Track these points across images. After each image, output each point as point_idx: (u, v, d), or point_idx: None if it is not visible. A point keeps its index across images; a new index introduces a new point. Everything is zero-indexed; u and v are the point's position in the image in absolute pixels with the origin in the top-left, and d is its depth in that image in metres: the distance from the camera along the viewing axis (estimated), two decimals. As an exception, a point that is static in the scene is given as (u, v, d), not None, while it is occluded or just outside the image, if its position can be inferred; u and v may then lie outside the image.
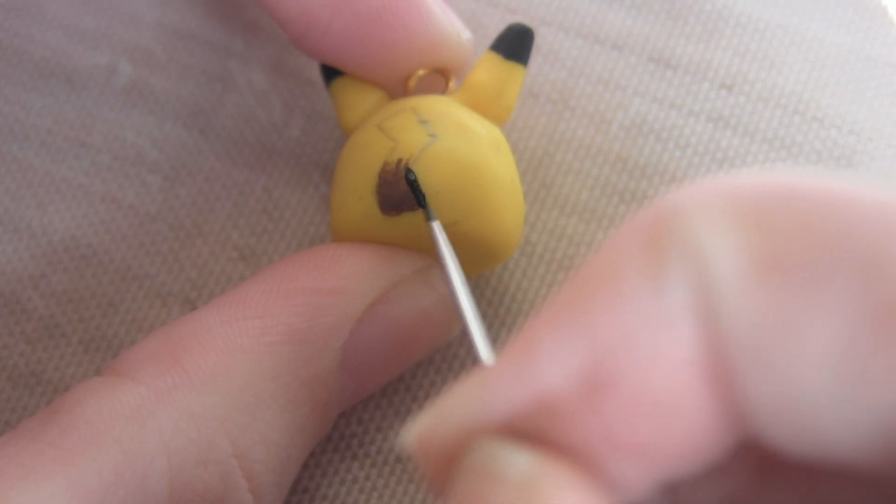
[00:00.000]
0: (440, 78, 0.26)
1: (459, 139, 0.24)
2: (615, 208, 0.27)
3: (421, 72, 0.25)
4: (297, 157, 0.28)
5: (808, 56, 0.28)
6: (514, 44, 0.25)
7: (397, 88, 0.26)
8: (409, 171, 0.23)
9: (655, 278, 0.15)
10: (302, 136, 0.28)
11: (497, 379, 0.16)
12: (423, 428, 0.17)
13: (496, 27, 0.28)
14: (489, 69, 0.25)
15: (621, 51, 0.28)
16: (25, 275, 0.27)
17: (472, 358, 0.18)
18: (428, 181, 0.23)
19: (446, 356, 0.26)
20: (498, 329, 0.26)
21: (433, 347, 0.25)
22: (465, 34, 0.26)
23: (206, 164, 0.28)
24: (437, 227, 0.23)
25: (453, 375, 0.26)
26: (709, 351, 0.15)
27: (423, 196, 0.23)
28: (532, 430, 0.16)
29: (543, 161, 0.28)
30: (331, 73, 0.26)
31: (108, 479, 0.20)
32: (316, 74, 0.28)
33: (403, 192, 0.23)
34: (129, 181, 0.28)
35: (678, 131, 0.28)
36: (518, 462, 0.15)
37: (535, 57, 0.28)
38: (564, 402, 0.15)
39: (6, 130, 0.29)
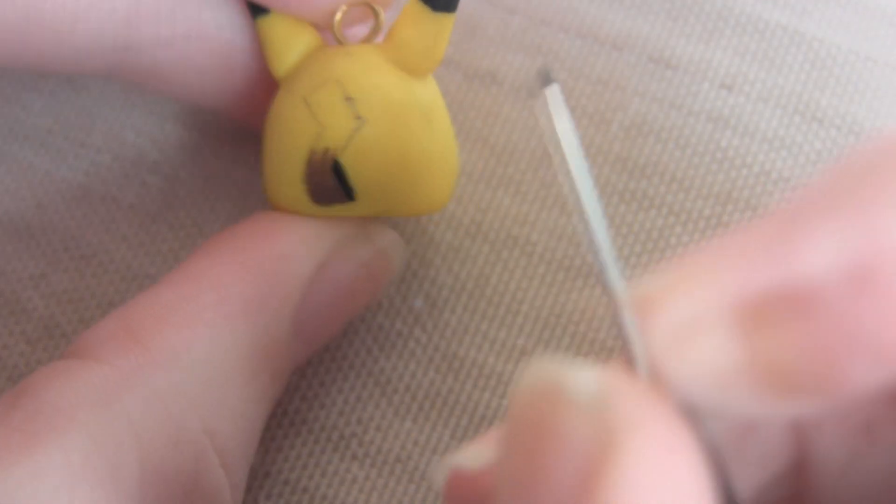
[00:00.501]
0: (369, 12, 0.24)
1: (387, 121, 0.23)
2: (615, 208, 0.27)
3: (344, 8, 0.24)
4: (297, 157, 0.28)
5: (808, 56, 0.28)
6: None
7: (326, 23, 0.24)
8: (336, 165, 0.23)
9: None
10: (302, 136, 0.28)
11: (749, 256, 0.15)
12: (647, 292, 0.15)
13: (496, 27, 0.28)
14: (418, 24, 0.24)
15: (621, 51, 0.28)
16: (25, 275, 0.27)
17: (602, 285, 0.16)
18: (356, 173, 0.23)
19: (446, 355, 0.26)
20: (497, 329, 0.26)
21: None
22: None
23: (206, 164, 0.28)
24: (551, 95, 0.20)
25: (453, 375, 0.26)
26: None
27: (352, 191, 0.23)
28: (765, 319, 0.15)
29: (543, 161, 0.28)
30: (258, 10, 0.24)
31: (76, 465, 0.20)
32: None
33: (332, 186, 0.23)
34: (129, 181, 0.28)
35: (678, 131, 0.28)
36: (587, 380, 0.14)
37: (536, 57, 0.28)
38: (819, 292, 0.14)
39: (6, 130, 0.29)
